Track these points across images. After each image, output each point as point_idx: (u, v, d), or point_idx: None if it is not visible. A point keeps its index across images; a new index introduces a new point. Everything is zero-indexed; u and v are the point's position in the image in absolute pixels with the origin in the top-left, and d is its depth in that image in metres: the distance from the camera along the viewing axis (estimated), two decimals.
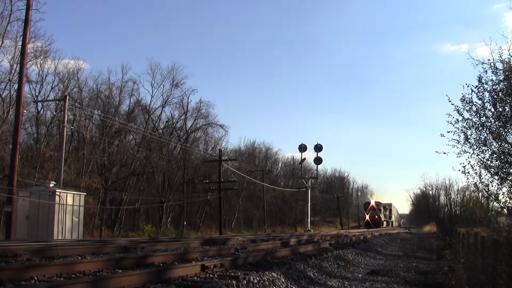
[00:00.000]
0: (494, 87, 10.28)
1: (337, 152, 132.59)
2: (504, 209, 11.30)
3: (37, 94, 34.12)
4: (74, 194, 21.48)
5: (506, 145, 10.22)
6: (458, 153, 10.68)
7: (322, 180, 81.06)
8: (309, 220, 47.13)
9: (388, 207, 75.83)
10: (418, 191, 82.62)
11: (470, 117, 10.50)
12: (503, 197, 10.84)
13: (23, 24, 20.45)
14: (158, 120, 44.35)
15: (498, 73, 10.27)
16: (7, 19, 27.46)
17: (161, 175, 42.28)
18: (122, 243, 12.34)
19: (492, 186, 10.81)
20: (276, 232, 40.66)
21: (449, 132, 10.72)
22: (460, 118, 10.56)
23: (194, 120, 46.10)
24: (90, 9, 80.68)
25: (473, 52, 18.79)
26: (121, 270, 7.19)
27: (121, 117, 39.97)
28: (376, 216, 65.59)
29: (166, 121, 44.99)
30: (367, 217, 66.39)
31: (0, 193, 20.82)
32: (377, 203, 68.55)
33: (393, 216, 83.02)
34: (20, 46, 21.34)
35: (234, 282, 6.39)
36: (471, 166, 10.59)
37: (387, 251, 19.16)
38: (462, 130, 10.61)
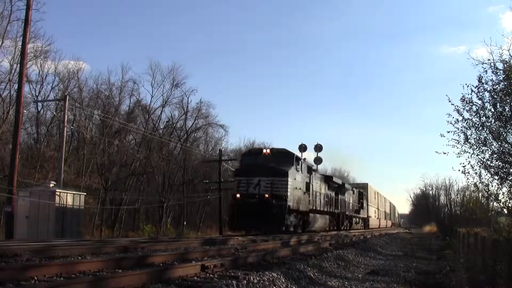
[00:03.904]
0: (494, 87, 10.29)
1: (337, 152, 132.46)
2: (504, 209, 11.31)
3: (37, 94, 34.18)
4: (74, 194, 21.50)
5: (506, 145, 10.22)
6: (458, 153, 10.70)
7: None
8: None
9: (355, 191, 40.01)
10: (418, 191, 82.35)
11: (470, 117, 10.52)
12: (503, 197, 10.87)
13: (23, 24, 20.45)
14: (158, 120, 44.43)
15: (498, 73, 10.28)
16: (7, 19, 27.60)
17: (161, 175, 42.28)
18: (122, 243, 12.33)
19: (492, 186, 10.84)
20: None
21: (449, 132, 10.75)
22: (460, 118, 10.59)
23: (194, 120, 46.16)
24: (90, 9, 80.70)
25: (471, 53, 18.86)
26: (121, 270, 7.18)
27: (121, 117, 39.99)
28: (266, 196, 19.98)
29: (166, 121, 45.06)
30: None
31: (0, 193, 20.82)
32: (279, 156, 21.49)
33: (371, 209, 48.57)
34: (20, 46, 21.35)
35: (234, 282, 6.39)
36: (471, 166, 10.62)
37: (387, 251, 19.17)
38: (462, 130, 10.63)
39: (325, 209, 27.88)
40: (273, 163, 20.85)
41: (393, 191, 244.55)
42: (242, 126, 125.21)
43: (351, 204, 37.98)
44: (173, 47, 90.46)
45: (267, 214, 19.57)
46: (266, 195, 20.10)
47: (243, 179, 21.03)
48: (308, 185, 23.79)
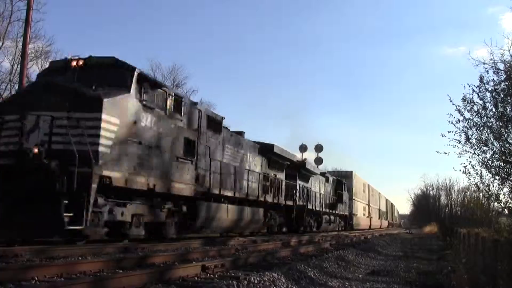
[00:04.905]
0: (495, 87, 10.29)
1: (338, 152, 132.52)
2: (505, 209, 11.30)
3: None
4: None
5: (507, 145, 10.22)
6: (459, 153, 10.70)
7: None
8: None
9: (330, 178, 32.24)
10: (419, 192, 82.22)
11: (471, 117, 10.51)
12: (504, 198, 10.86)
13: (24, 24, 20.46)
14: None
15: (500, 73, 10.28)
16: (8, 20, 27.58)
17: None
18: (123, 244, 12.31)
19: (493, 186, 10.83)
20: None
21: (450, 132, 10.75)
22: (461, 118, 10.58)
23: None
24: (90, 9, 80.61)
25: (471, 54, 18.86)
26: (121, 271, 7.18)
27: None
28: (34, 153, 8.81)
29: None
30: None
31: None
32: (102, 72, 10.17)
33: (357, 205, 39.67)
34: (21, 47, 21.34)
35: (234, 282, 6.38)
36: (472, 166, 10.61)
37: (387, 252, 19.14)
38: (463, 130, 10.63)
39: (261, 198, 17.90)
40: (80, 84, 9.99)
41: (393, 191, 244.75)
42: (242, 126, 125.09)
43: (321, 195, 27.40)
44: (174, 48, 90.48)
45: (40, 199, 8.99)
46: (35, 151, 9.04)
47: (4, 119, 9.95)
48: (192, 144, 12.78)
